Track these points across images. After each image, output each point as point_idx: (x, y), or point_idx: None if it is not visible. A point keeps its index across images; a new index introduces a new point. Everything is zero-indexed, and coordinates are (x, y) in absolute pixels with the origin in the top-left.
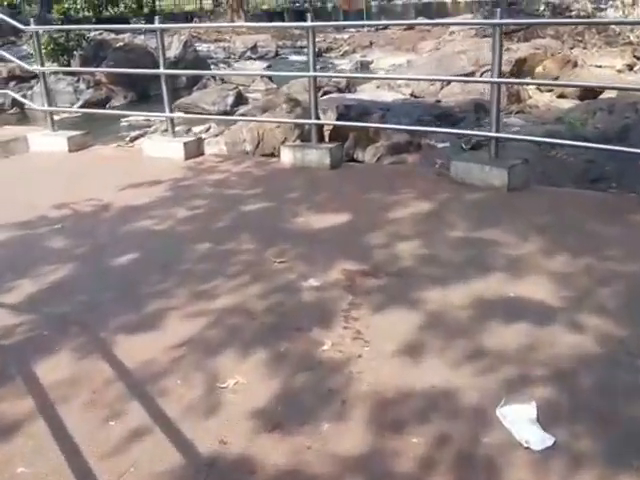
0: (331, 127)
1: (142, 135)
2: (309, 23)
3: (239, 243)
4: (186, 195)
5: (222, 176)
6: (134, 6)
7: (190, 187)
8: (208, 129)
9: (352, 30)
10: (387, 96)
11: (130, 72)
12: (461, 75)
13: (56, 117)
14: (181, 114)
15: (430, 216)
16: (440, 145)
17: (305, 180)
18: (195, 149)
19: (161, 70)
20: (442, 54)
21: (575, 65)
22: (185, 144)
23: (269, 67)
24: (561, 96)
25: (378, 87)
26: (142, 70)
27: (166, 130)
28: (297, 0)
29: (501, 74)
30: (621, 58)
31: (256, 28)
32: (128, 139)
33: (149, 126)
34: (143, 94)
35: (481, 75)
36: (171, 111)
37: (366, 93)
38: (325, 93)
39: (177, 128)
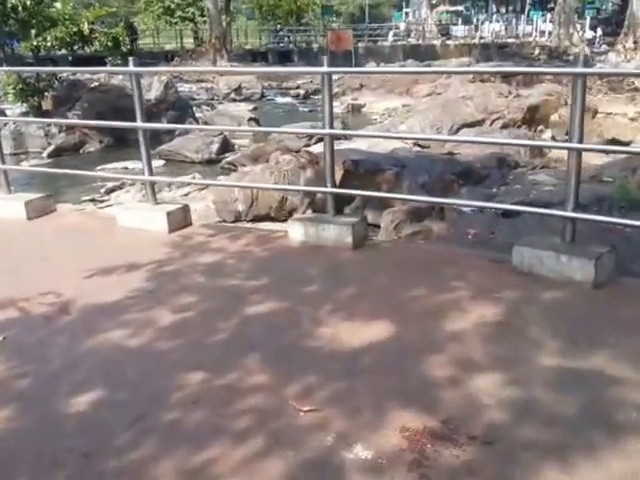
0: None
1: (119, 187)
2: (325, 68)
3: (246, 372)
4: (171, 288)
5: (216, 258)
6: (110, 44)
7: (176, 275)
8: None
9: (339, 70)
10: (388, 145)
11: (104, 125)
12: (470, 123)
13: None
14: (163, 179)
15: (502, 328)
16: (467, 209)
17: (323, 266)
18: (181, 219)
19: (139, 123)
20: (445, 99)
21: (595, 113)
22: (169, 214)
23: (255, 109)
24: None
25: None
26: (118, 123)
27: (144, 195)
28: (281, 40)
29: (582, 139)
30: (633, 105)
31: (258, 73)
32: (103, 191)
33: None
34: (121, 138)
35: (492, 123)
36: (151, 172)
37: (364, 141)
38: (319, 140)
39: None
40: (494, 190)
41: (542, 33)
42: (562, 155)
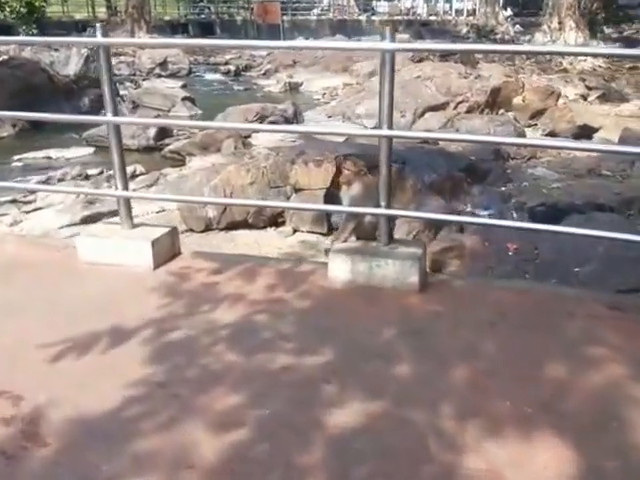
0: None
1: (48, 180)
2: (388, 44)
3: None
4: (192, 375)
5: (238, 313)
6: (24, 11)
7: (191, 349)
8: (134, 173)
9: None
10: (347, 128)
11: (61, 119)
12: (434, 106)
13: None
14: (141, 195)
15: None
16: (483, 212)
17: (395, 324)
18: (168, 248)
19: (109, 117)
20: (400, 79)
21: (559, 97)
22: (154, 243)
23: (185, 87)
24: (550, 134)
25: (330, 117)
26: (84, 117)
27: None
28: (202, 11)
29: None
30: (573, 87)
31: (299, 48)
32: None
33: (56, 167)
34: (37, 121)
35: (456, 107)
36: (126, 186)
37: (320, 125)
38: (271, 124)
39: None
40: (503, 189)
41: (459, 12)
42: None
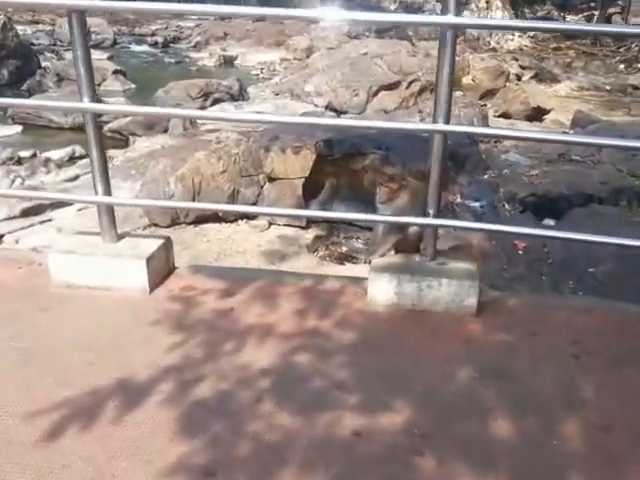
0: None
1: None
2: (451, 18)
3: None
4: (236, 474)
5: (269, 357)
6: None
7: (218, 416)
8: (73, 156)
9: (193, 17)
10: (297, 107)
11: (25, 105)
12: (387, 85)
13: None
14: (124, 201)
15: None
16: (474, 204)
17: (475, 368)
18: (163, 264)
19: (86, 103)
20: (346, 56)
21: (508, 78)
22: (150, 260)
23: (111, 58)
24: (503, 115)
25: (277, 94)
26: (55, 103)
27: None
28: None
29: None
30: (508, 67)
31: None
32: None
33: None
34: None
35: (408, 86)
36: (108, 189)
37: (267, 103)
38: (216, 101)
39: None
40: (486, 177)
41: None
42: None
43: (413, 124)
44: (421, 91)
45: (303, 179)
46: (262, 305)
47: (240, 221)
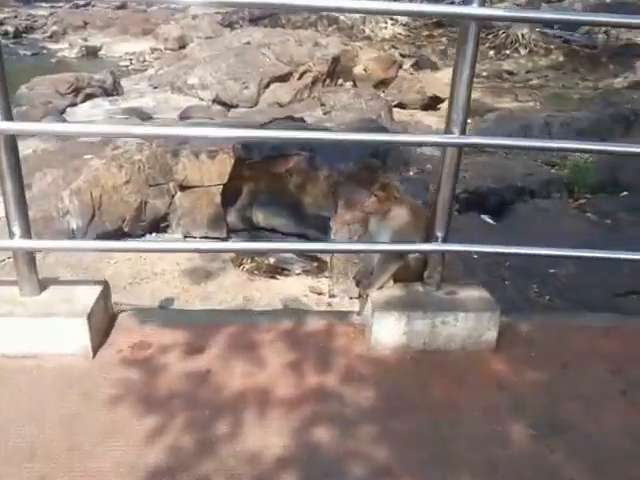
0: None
1: None
2: (476, 8)
3: None
4: None
5: (278, 436)
6: None
7: None
8: None
9: (45, 5)
10: (179, 101)
11: None
12: (279, 77)
13: None
14: (43, 245)
15: None
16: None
17: (527, 425)
18: (103, 314)
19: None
20: (228, 46)
21: (400, 67)
22: (91, 316)
23: None
24: (399, 106)
25: (156, 88)
26: None
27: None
28: None
29: None
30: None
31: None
32: None
33: None
34: None
35: (300, 77)
36: (27, 232)
37: (147, 97)
38: (88, 96)
39: None
40: (411, 174)
41: None
42: (407, 119)
43: (424, 136)
44: (314, 82)
45: (221, 186)
46: (244, 361)
47: (149, 235)
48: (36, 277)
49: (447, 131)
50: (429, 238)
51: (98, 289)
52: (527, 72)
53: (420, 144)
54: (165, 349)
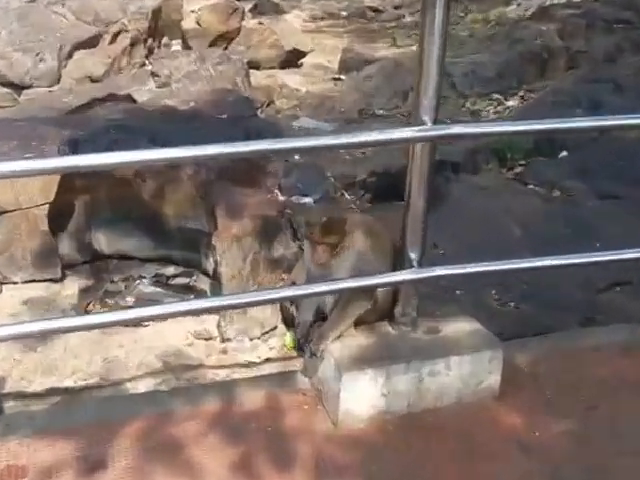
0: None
1: None
2: None
3: None
4: None
5: None
6: None
7: None
8: None
9: None
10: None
11: None
12: (85, 41)
13: None
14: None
15: None
16: (304, 200)
17: None
18: None
19: None
20: (4, 7)
21: (243, 16)
22: None
23: None
24: (251, 65)
25: None
26: None
27: None
28: None
29: None
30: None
31: None
32: None
33: None
34: None
35: (113, 40)
36: None
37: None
38: None
39: None
40: (297, 157)
41: None
42: (267, 81)
43: (389, 132)
44: (133, 45)
45: (47, 206)
46: (167, 474)
47: None
48: None
49: (416, 121)
50: (400, 264)
51: None
52: (395, 8)
53: (386, 143)
54: (46, 473)
